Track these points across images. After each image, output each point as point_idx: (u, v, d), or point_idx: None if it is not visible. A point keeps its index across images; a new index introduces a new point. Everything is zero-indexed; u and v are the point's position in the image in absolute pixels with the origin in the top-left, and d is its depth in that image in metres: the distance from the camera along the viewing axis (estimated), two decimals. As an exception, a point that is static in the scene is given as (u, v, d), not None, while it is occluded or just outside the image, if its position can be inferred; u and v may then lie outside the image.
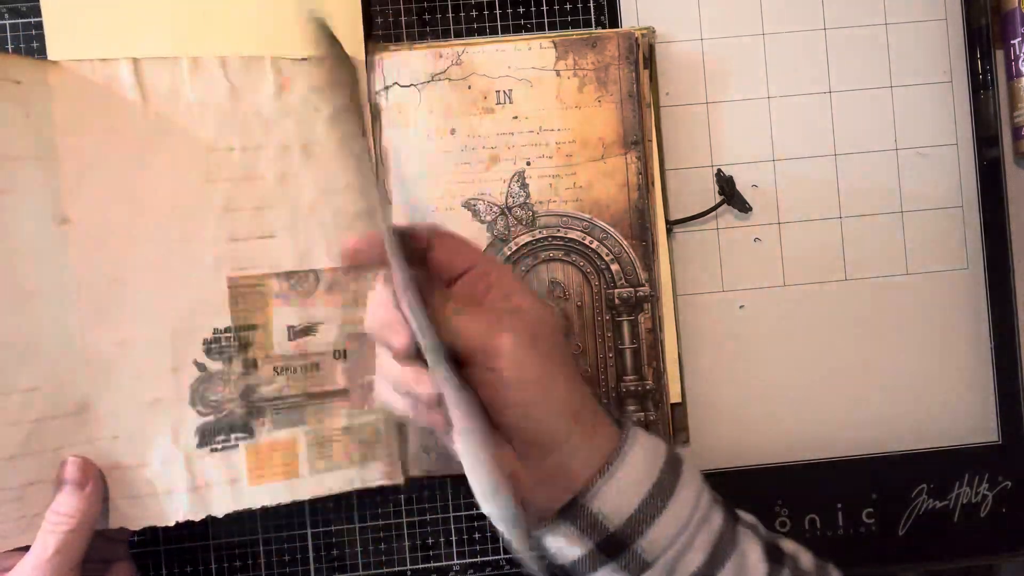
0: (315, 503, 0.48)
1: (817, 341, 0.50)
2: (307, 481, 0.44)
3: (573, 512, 0.35)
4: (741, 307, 0.50)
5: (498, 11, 0.49)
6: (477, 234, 0.46)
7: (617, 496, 0.35)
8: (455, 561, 0.49)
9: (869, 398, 0.50)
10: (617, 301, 0.47)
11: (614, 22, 0.49)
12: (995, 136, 0.50)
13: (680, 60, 0.50)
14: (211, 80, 0.43)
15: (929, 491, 0.50)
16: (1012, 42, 0.50)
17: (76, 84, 0.42)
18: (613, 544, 0.35)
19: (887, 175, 0.50)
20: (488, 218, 0.46)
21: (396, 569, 0.49)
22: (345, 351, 0.45)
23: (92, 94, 0.42)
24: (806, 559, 0.39)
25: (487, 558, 0.49)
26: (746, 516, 0.39)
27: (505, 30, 0.49)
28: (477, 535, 0.49)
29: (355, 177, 0.45)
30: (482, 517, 0.49)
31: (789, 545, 0.39)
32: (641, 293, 0.47)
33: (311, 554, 0.48)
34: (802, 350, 0.50)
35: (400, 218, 0.47)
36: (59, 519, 0.39)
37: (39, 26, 0.46)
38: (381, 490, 0.48)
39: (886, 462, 0.50)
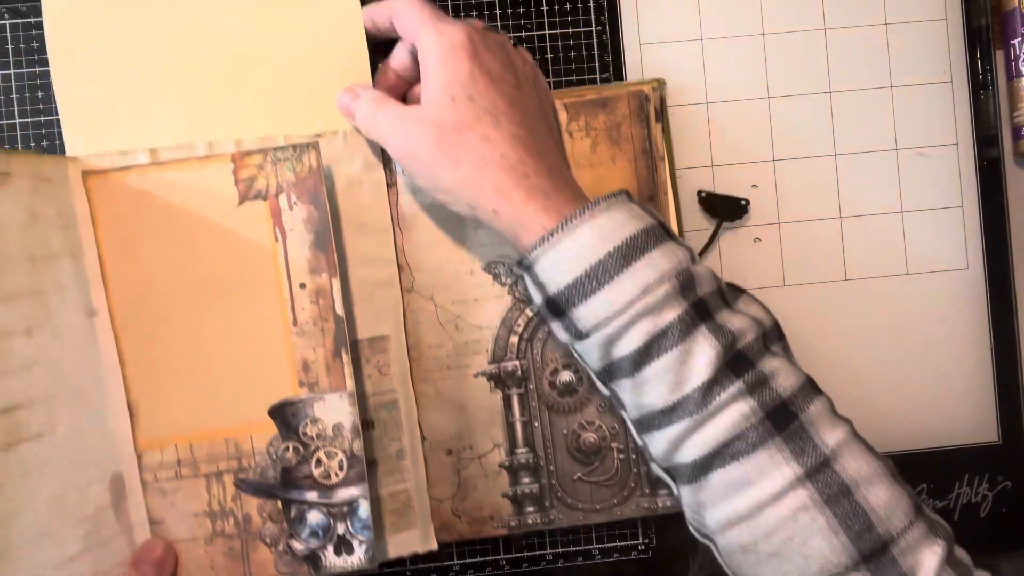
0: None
1: (817, 341, 0.50)
2: None
3: (527, 265, 0.38)
4: (741, 307, 0.50)
5: (498, 11, 0.49)
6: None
7: (553, 267, 0.37)
8: (455, 561, 0.49)
9: (869, 398, 0.50)
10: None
11: (614, 22, 0.49)
12: (995, 136, 0.50)
13: (680, 60, 0.50)
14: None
15: (929, 491, 0.50)
16: (1012, 42, 0.50)
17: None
18: (554, 305, 0.38)
19: (887, 175, 0.50)
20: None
21: (396, 569, 0.49)
22: (373, 421, 0.45)
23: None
24: (786, 380, 0.37)
25: (487, 558, 0.49)
26: (735, 323, 0.37)
27: (505, 30, 0.49)
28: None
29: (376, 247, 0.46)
30: (482, 517, 0.49)
31: (773, 363, 0.38)
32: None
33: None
34: (802, 350, 0.50)
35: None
36: None
37: (39, 26, 0.46)
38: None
39: (886, 462, 0.50)
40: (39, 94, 0.47)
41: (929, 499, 0.50)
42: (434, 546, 0.46)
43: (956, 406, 0.50)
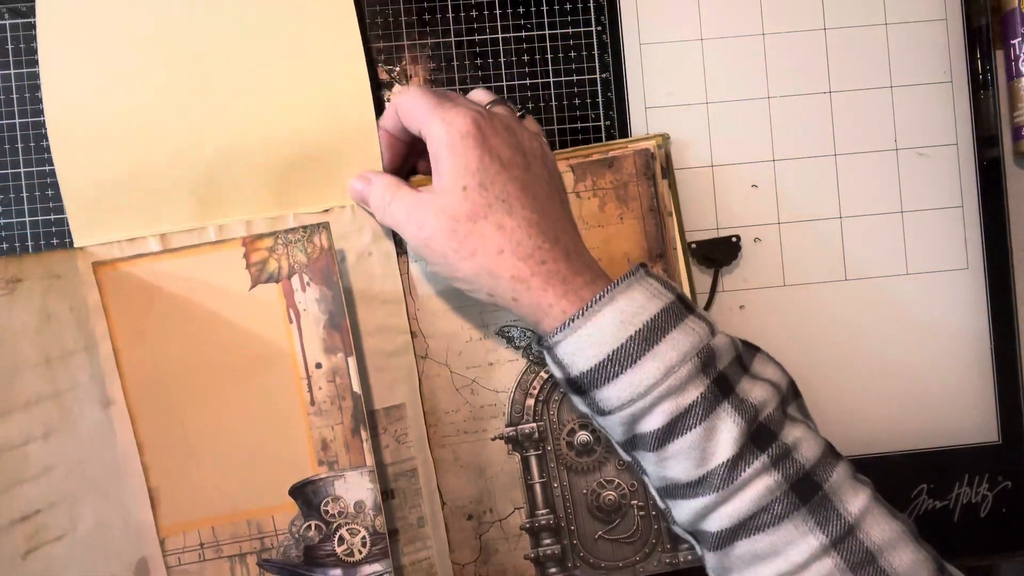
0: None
1: (817, 341, 0.50)
2: None
3: (547, 346, 0.39)
4: (741, 307, 0.50)
5: (498, 11, 0.49)
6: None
7: (575, 352, 0.37)
8: (455, 561, 0.49)
9: (869, 398, 0.50)
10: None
11: (614, 22, 0.49)
12: (995, 136, 0.50)
13: (680, 60, 0.50)
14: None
15: (929, 491, 0.50)
16: (1012, 42, 0.50)
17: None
18: (575, 385, 0.38)
19: (887, 175, 0.50)
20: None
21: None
22: (393, 491, 0.45)
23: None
24: (809, 450, 0.37)
25: (487, 558, 0.49)
26: (756, 394, 0.38)
27: (505, 30, 0.49)
28: (477, 535, 0.49)
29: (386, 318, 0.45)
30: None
31: (795, 432, 0.38)
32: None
33: None
34: (802, 350, 0.50)
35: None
36: None
37: (39, 26, 0.46)
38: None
39: (886, 462, 0.50)
40: (38, 94, 0.47)
41: (929, 499, 0.50)
42: None
43: (956, 406, 0.50)
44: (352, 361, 0.43)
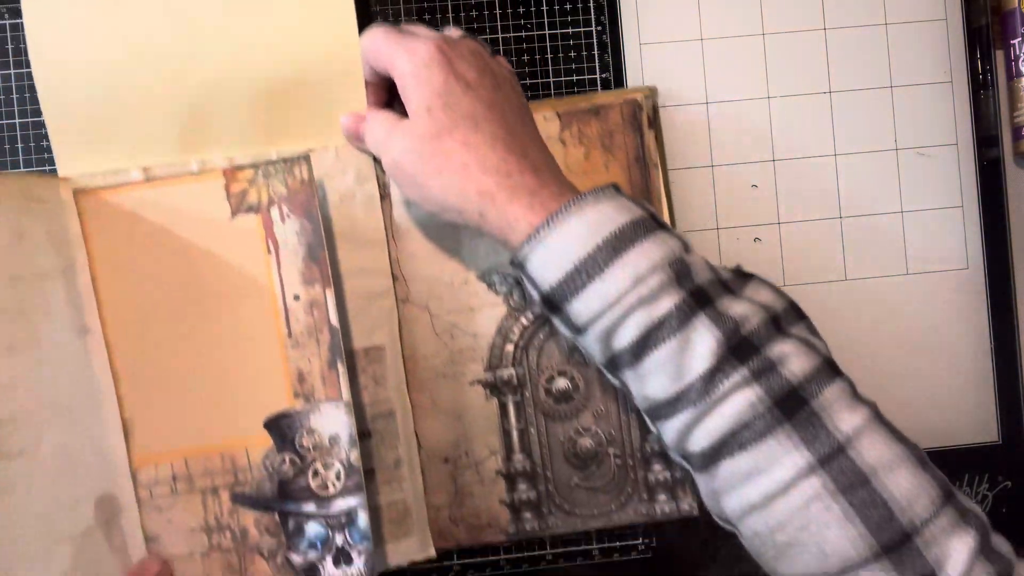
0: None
1: (817, 341, 0.50)
2: None
3: (518, 263, 0.38)
4: (741, 307, 0.50)
5: (498, 11, 0.49)
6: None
7: (544, 264, 0.37)
8: (455, 561, 0.49)
9: (869, 398, 0.50)
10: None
11: (614, 22, 0.49)
12: (995, 136, 0.50)
13: (680, 60, 0.50)
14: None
15: (929, 491, 0.50)
16: (1012, 42, 0.50)
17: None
18: (549, 303, 0.38)
19: (887, 175, 0.50)
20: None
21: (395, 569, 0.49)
22: (370, 431, 0.45)
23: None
24: (798, 365, 0.35)
25: (487, 558, 0.49)
26: (737, 309, 0.36)
27: (505, 30, 0.49)
28: (477, 535, 0.49)
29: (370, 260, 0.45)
30: (482, 517, 0.49)
31: (784, 347, 0.36)
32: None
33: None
34: (802, 350, 0.50)
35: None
36: None
37: (39, 26, 0.46)
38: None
39: (886, 462, 0.50)
40: (38, 95, 0.47)
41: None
42: (432, 554, 0.46)
43: (956, 406, 0.50)
44: (330, 293, 0.43)
